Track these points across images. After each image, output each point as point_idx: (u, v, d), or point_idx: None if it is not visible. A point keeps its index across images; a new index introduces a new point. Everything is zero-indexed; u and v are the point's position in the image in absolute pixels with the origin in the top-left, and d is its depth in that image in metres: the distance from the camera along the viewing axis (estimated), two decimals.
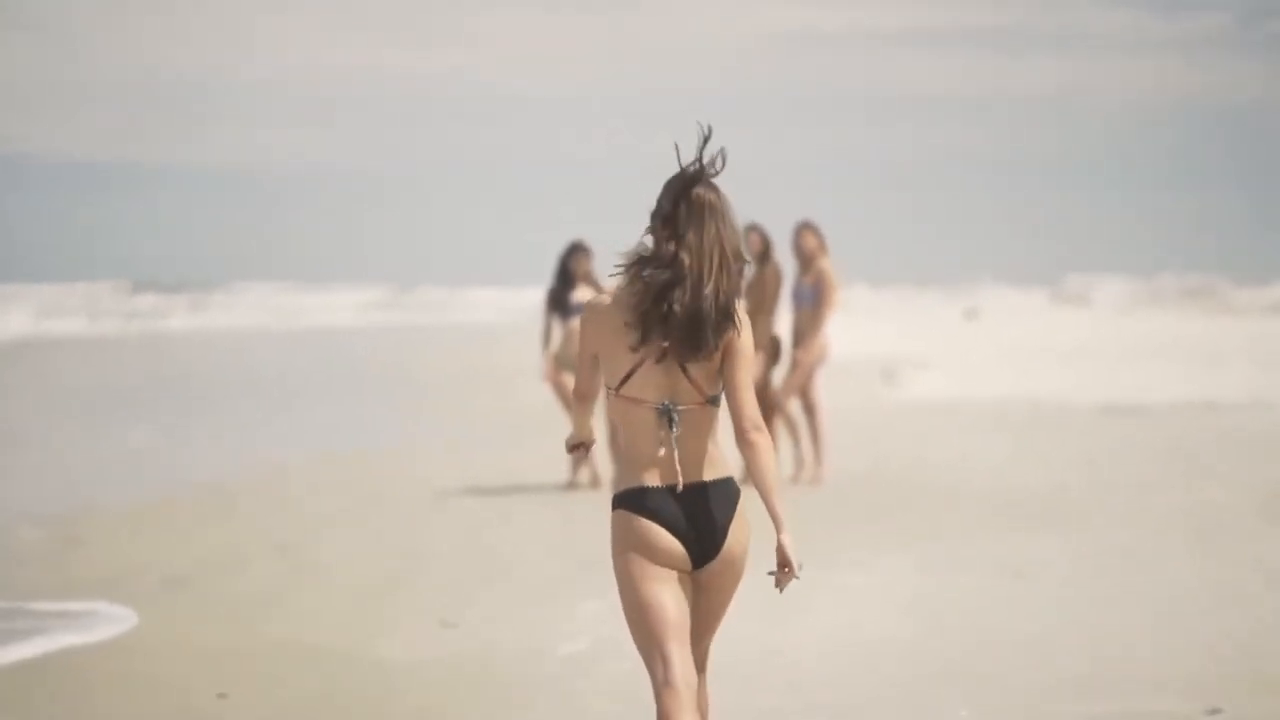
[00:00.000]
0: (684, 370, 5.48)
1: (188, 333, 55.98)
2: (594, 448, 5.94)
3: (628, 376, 5.49)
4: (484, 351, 41.51)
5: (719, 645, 8.12)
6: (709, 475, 5.52)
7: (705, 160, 5.56)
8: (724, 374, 5.53)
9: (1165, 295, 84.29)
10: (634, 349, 5.48)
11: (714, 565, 5.53)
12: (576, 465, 15.81)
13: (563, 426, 17.17)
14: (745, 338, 5.53)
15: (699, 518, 5.49)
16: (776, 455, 6.00)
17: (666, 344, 5.45)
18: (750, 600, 10.33)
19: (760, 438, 5.53)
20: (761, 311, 15.43)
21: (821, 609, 10.22)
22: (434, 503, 15.13)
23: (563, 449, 17.58)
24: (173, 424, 22.98)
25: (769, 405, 15.98)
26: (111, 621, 10.25)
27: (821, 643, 9.37)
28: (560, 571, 11.55)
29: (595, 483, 15.70)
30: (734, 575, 5.57)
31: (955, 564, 11.60)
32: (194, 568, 12.01)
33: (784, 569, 5.50)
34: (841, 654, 9.10)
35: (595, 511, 13.96)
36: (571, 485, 15.80)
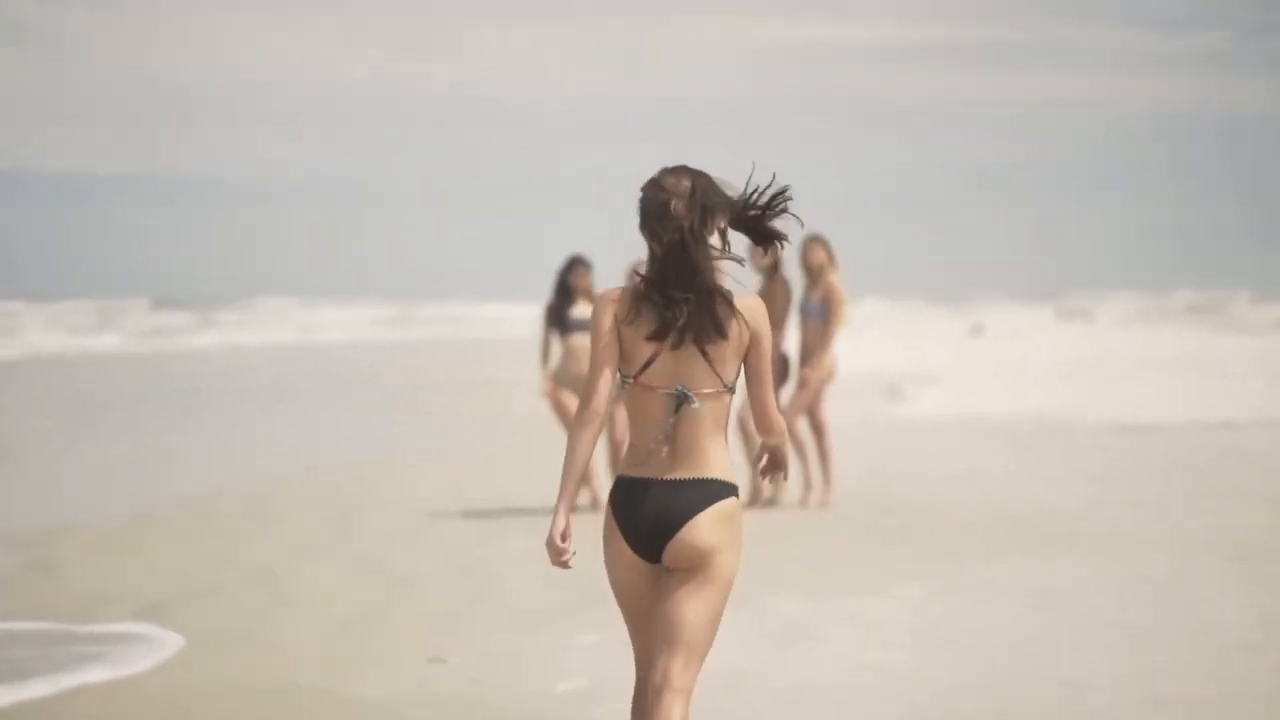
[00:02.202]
0: (704, 354, 5.49)
1: (194, 350, 55.34)
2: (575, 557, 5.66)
3: (648, 364, 5.49)
4: (483, 367, 40.95)
5: (724, 681, 7.56)
6: (698, 473, 5.49)
7: (759, 197, 5.68)
8: (746, 365, 5.59)
9: (1171, 311, 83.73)
10: (650, 339, 5.48)
11: (671, 550, 5.46)
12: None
13: (562, 445, 16.55)
14: (759, 327, 5.57)
15: (665, 509, 5.47)
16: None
17: (682, 330, 5.47)
18: (759, 634, 9.77)
19: (779, 440, 5.71)
20: (770, 327, 14.79)
21: (836, 641, 9.59)
22: (426, 523, 14.54)
23: (552, 468, 17.03)
24: (163, 441, 22.40)
25: None
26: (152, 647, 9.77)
27: (838, 678, 8.75)
28: (557, 601, 10.92)
29: (595, 505, 15.10)
30: (696, 570, 5.46)
31: (976, 592, 10.97)
32: (171, 595, 11.42)
33: (771, 462, 5.73)
34: (861, 690, 8.49)
35: (594, 534, 13.34)
36: None
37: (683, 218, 5.51)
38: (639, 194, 5.59)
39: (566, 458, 5.58)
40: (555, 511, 5.55)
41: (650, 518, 5.48)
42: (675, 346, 5.48)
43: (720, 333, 5.49)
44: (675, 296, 5.46)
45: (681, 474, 5.48)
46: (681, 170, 5.59)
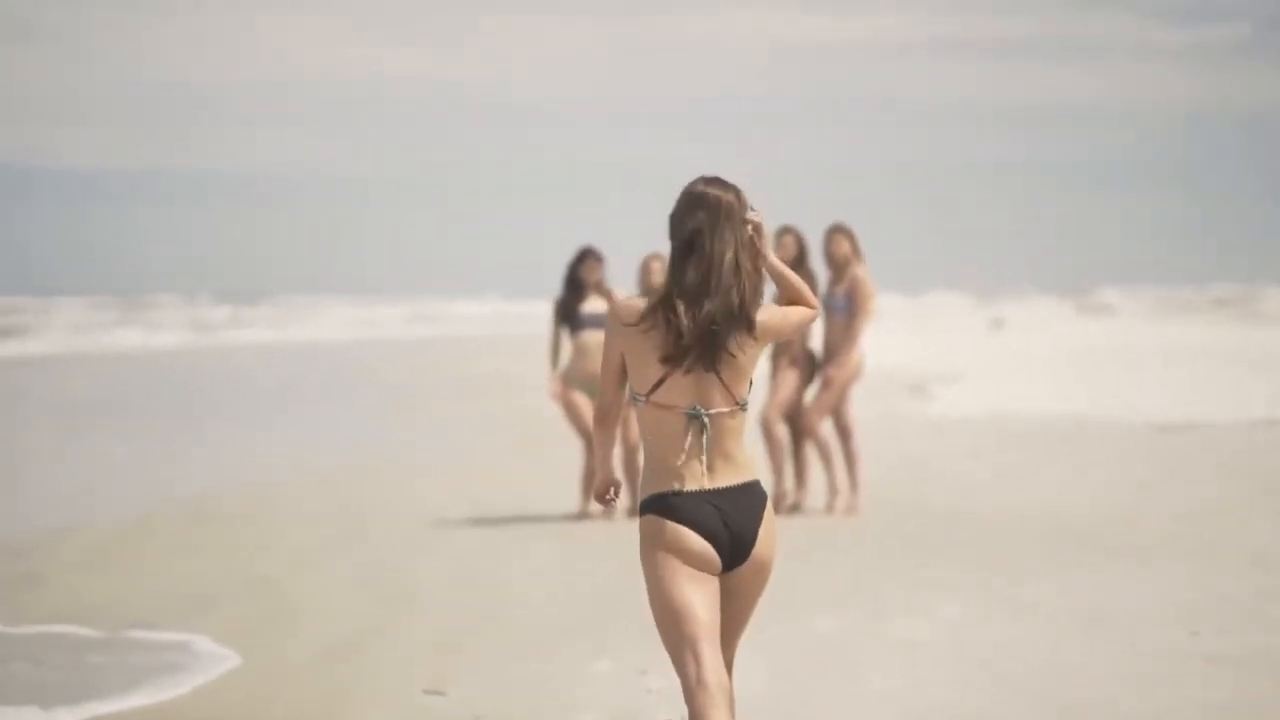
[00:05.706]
0: (717, 375, 5.47)
1: (230, 347, 54.54)
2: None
3: (659, 384, 5.47)
4: (494, 364, 40.16)
5: (752, 711, 6.69)
6: (737, 479, 5.52)
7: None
8: (786, 330, 5.58)
9: (1195, 304, 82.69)
10: (663, 361, 5.45)
11: (743, 570, 5.55)
12: (587, 495, 14.36)
13: (571, 446, 15.74)
14: (773, 317, 5.54)
15: (730, 522, 5.48)
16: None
17: (694, 354, 5.44)
18: (789, 659, 8.86)
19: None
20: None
21: (877, 671, 8.64)
22: (433, 531, 13.65)
23: (567, 473, 16.15)
24: (164, 441, 21.63)
25: (799, 428, 14.48)
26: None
27: (875, 709, 7.86)
28: (568, 620, 9.95)
29: (609, 512, 14.21)
30: (762, 579, 5.60)
31: (1022, 611, 10.02)
32: (160, 607, 10.61)
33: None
34: None
35: (609, 545, 12.52)
36: (583, 515, 14.32)
37: (729, 225, 5.48)
38: (687, 194, 5.51)
39: (596, 450, 5.79)
40: (601, 467, 5.74)
41: (724, 532, 5.48)
42: (687, 372, 5.47)
43: (734, 354, 5.47)
44: (687, 325, 5.42)
45: (722, 481, 5.50)
46: (712, 184, 5.55)
